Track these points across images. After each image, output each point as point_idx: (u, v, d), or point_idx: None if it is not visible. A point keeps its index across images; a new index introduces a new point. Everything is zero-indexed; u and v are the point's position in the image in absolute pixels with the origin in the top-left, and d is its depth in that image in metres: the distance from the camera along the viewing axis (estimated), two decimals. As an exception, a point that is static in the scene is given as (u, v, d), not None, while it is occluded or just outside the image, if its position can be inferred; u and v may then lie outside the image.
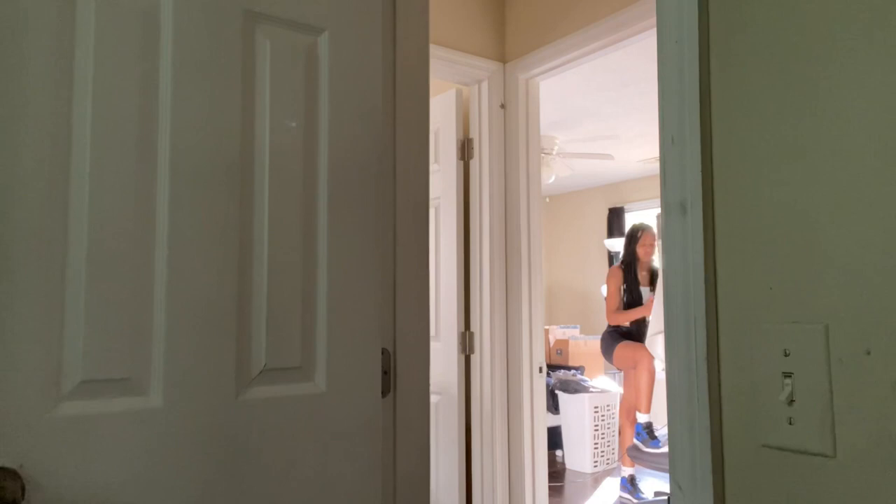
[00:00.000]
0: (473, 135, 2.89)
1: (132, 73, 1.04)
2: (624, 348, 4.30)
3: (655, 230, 4.47)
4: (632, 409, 4.31)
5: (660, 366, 4.26)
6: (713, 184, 0.82)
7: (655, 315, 4.24)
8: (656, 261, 4.47)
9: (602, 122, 4.99)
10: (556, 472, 4.74)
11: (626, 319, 4.37)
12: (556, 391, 4.99)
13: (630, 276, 4.36)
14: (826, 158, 0.71)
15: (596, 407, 4.83)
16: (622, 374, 4.53)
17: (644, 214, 6.80)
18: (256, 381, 1.13)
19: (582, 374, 5.28)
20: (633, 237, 4.42)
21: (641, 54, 3.48)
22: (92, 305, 0.98)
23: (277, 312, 1.15)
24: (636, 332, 4.36)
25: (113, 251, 1.00)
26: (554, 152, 5.13)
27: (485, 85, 2.87)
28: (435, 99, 2.90)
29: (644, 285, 4.37)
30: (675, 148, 0.85)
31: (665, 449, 4.07)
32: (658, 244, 4.43)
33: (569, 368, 5.32)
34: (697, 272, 0.81)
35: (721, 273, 0.80)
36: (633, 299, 4.34)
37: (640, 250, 4.37)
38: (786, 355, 0.73)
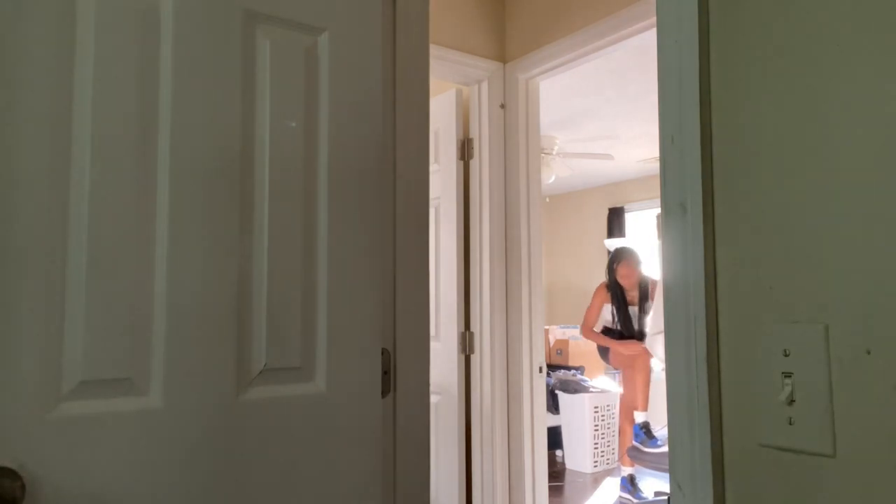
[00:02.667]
0: (473, 135, 2.89)
1: (132, 73, 1.04)
2: (618, 347, 4.32)
3: (634, 254, 4.48)
4: (630, 408, 4.32)
5: (659, 366, 4.27)
6: (713, 184, 0.82)
7: (655, 315, 4.25)
8: (648, 273, 4.48)
9: (602, 122, 4.99)
10: (556, 472, 4.74)
11: (595, 341, 4.44)
12: (556, 391, 4.99)
13: (617, 298, 4.38)
14: (826, 158, 0.71)
15: (596, 407, 4.83)
16: (620, 373, 4.54)
17: (644, 214, 6.80)
18: (256, 381, 1.13)
19: (582, 374, 5.28)
20: (611, 268, 4.46)
21: (641, 54, 3.48)
22: (92, 305, 0.98)
23: (277, 312, 1.15)
24: (628, 332, 4.37)
25: (113, 251, 1.00)
26: (554, 152, 5.13)
27: (485, 85, 2.87)
28: (435, 99, 2.90)
29: (633, 304, 4.39)
30: (675, 148, 0.85)
31: (665, 448, 4.07)
32: (637, 258, 4.46)
33: (569, 368, 5.32)
34: (697, 272, 0.81)
35: (721, 273, 0.80)
36: (623, 319, 4.38)
37: (621, 281, 4.41)
38: (786, 355, 0.73)
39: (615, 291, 4.41)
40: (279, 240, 1.16)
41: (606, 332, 4.44)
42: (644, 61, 3.67)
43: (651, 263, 4.70)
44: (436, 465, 2.79)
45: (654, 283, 4.43)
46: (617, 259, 4.47)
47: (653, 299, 4.39)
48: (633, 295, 4.41)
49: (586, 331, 4.48)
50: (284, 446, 1.15)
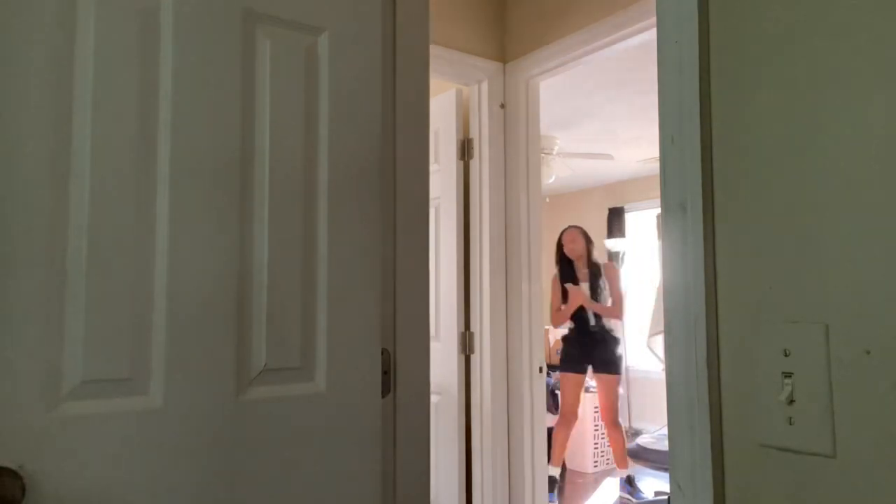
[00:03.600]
0: (473, 135, 2.89)
1: (132, 73, 1.04)
2: (566, 381, 4.24)
3: (580, 228, 4.44)
4: (607, 412, 4.24)
5: (660, 366, 4.26)
6: (713, 184, 0.82)
7: (655, 315, 4.24)
8: (597, 256, 4.42)
9: (602, 122, 4.99)
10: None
11: (567, 313, 4.28)
12: (556, 391, 4.98)
13: (567, 275, 4.29)
14: (826, 158, 0.71)
15: (596, 407, 4.83)
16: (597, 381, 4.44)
17: (644, 214, 6.80)
18: (256, 381, 1.13)
19: (582, 374, 5.26)
20: (558, 246, 4.40)
21: (641, 54, 3.47)
22: (92, 305, 0.98)
23: (277, 312, 1.15)
24: (583, 322, 4.25)
25: (113, 251, 1.00)
26: (554, 152, 5.12)
27: (485, 85, 2.87)
28: (435, 99, 2.90)
29: (584, 280, 4.27)
30: (675, 148, 0.85)
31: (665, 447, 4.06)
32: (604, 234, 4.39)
33: (569, 368, 5.31)
34: (697, 272, 0.81)
35: (721, 273, 0.80)
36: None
37: (566, 249, 4.33)
38: (786, 355, 0.73)
39: (563, 271, 4.31)
40: (279, 240, 1.16)
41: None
42: (644, 61, 3.66)
43: (651, 264, 4.67)
44: (436, 465, 2.79)
45: (610, 265, 4.37)
46: (563, 231, 4.43)
47: (610, 280, 4.26)
48: (581, 268, 4.28)
49: (555, 315, 4.35)
50: (284, 446, 1.15)
